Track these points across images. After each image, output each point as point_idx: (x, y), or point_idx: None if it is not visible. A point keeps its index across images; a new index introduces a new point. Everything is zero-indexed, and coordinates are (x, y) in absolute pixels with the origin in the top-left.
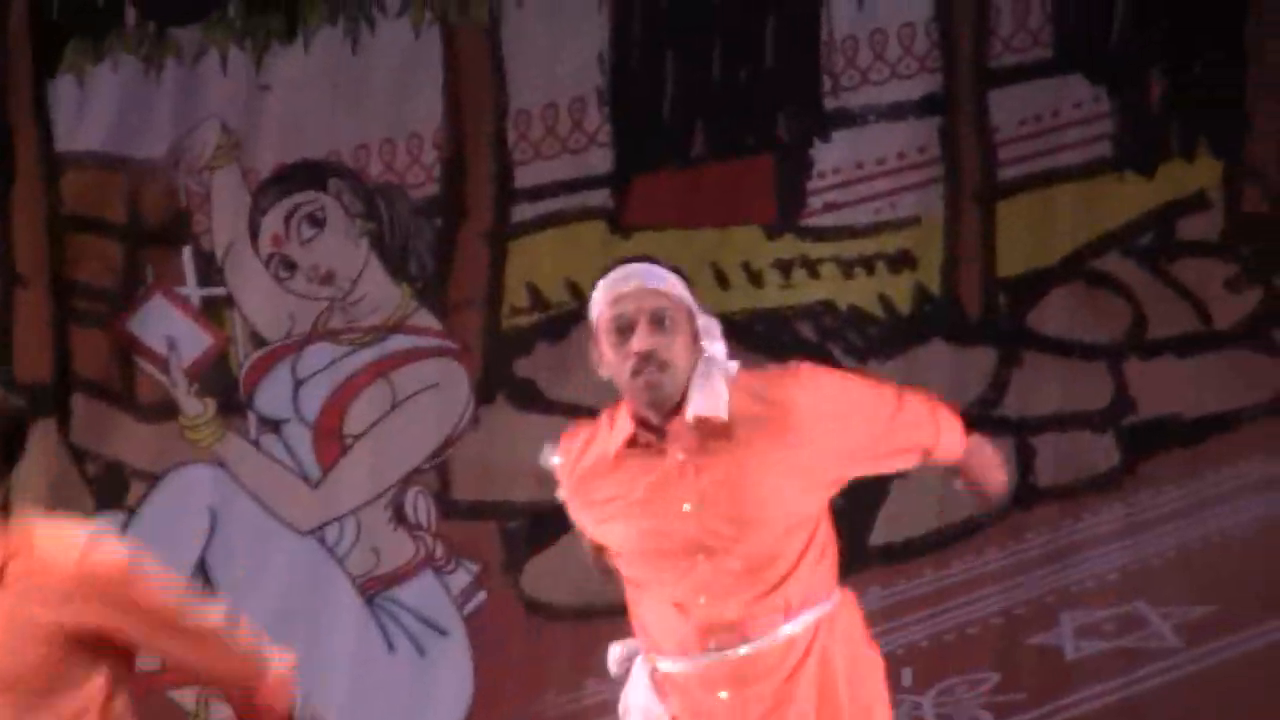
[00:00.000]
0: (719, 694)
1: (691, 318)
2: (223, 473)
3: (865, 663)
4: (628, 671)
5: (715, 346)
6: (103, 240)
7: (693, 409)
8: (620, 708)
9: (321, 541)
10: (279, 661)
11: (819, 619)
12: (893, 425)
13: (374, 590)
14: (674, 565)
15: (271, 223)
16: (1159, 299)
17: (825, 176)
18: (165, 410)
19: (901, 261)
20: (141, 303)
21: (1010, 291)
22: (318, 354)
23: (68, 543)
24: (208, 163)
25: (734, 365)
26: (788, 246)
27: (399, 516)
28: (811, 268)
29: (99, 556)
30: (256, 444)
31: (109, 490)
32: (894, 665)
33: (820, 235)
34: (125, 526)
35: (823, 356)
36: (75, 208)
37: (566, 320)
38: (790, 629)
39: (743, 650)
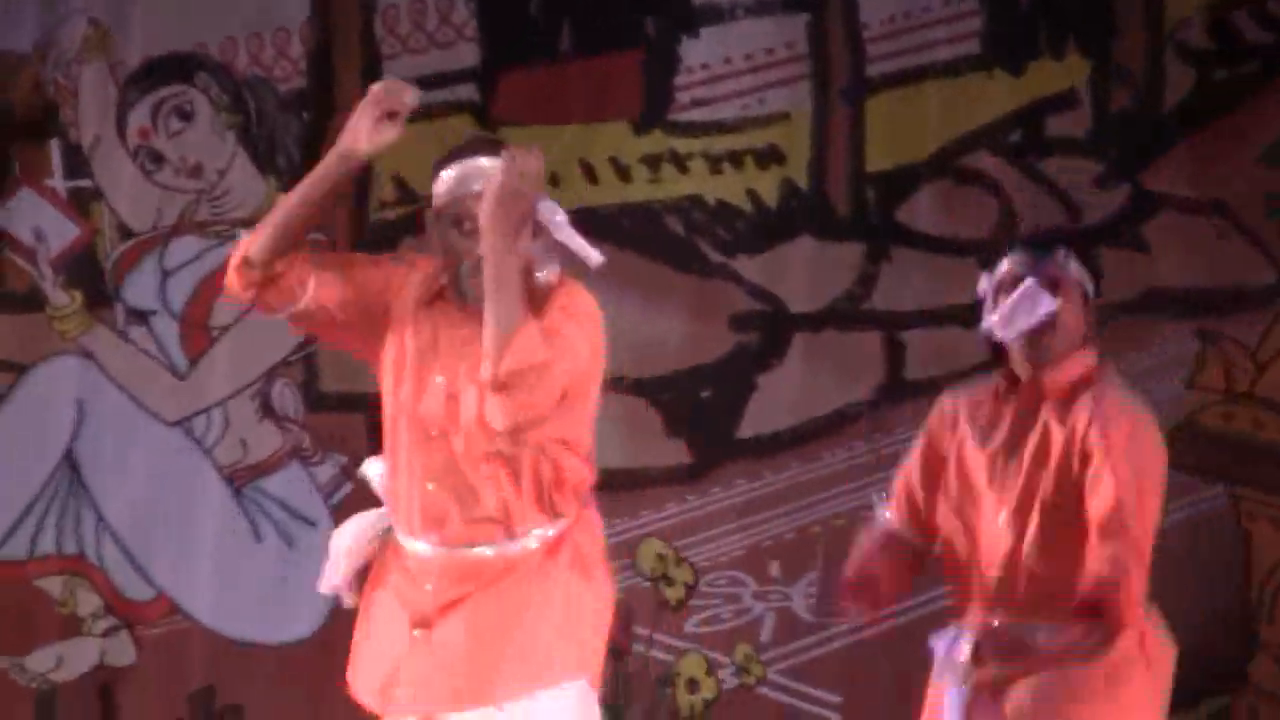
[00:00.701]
0: (425, 585)
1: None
2: (90, 364)
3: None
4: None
5: (561, 224)
6: None
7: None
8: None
9: (189, 433)
10: None
11: (543, 541)
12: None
13: (241, 481)
14: (415, 436)
15: (139, 116)
16: (1027, 195)
17: (693, 72)
18: (32, 301)
19: (769, 157)
20: (8, 195)
21: (879, 187)
22: (185, 246)
23: None
24: (76, 56)
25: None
26: (655, 142)
27: (266, 408)
28: (679, 163)
29: None
30: (124, 335)
31: None
32: (761, 557)
33: (688, 130)
34: None
35: (690, 250)
36: None
37: (418, 220)
38: (510, 548)
39: (470, 552)
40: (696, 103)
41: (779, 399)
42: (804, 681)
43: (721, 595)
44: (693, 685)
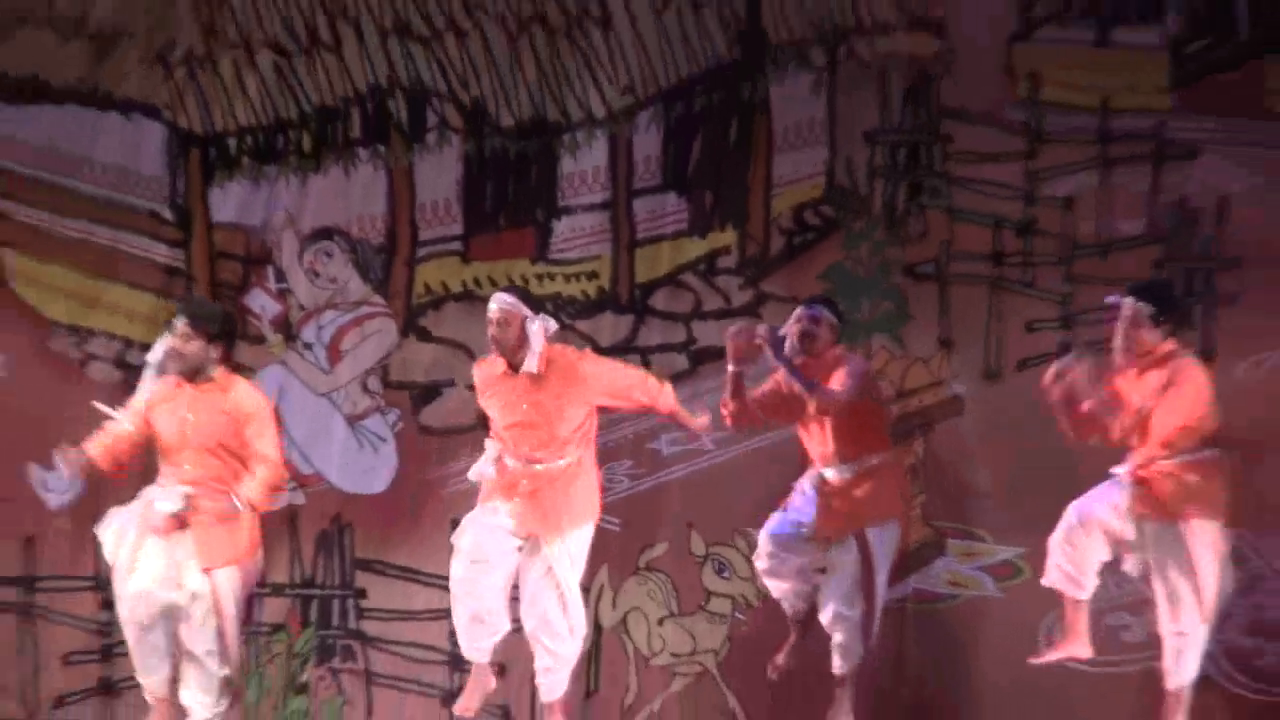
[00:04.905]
0: (521, 481)
1: (522, 318)
2: (285, 369)
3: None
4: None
5: (535, 332)
6: (234, 262)
7: (523, 367)
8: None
9: (330, 399)
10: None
11: (568, 464)
12: (629, 386)
13: (354, 421)
14: (512, 432)
15: (308, 254)
16: (711, 294)
17: (560, 236)
18: (258, 339)
19: (592, 277)
20: (249, 290)
21: (641, 291)
22: (329, 315)
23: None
24: (281, 228)
25: (539, 343)
26: (541, 269)
27: (364, 387)
28: (552, 277)
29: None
30: (301, 354)
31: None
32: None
33: (557, 263)
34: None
35: (556, 315)
36: (222, 248)
37: (438, 304)
38: (560, 463)
39: (537, 468)
40: (561, 249)
41: None
42: None
43: None
44: None
